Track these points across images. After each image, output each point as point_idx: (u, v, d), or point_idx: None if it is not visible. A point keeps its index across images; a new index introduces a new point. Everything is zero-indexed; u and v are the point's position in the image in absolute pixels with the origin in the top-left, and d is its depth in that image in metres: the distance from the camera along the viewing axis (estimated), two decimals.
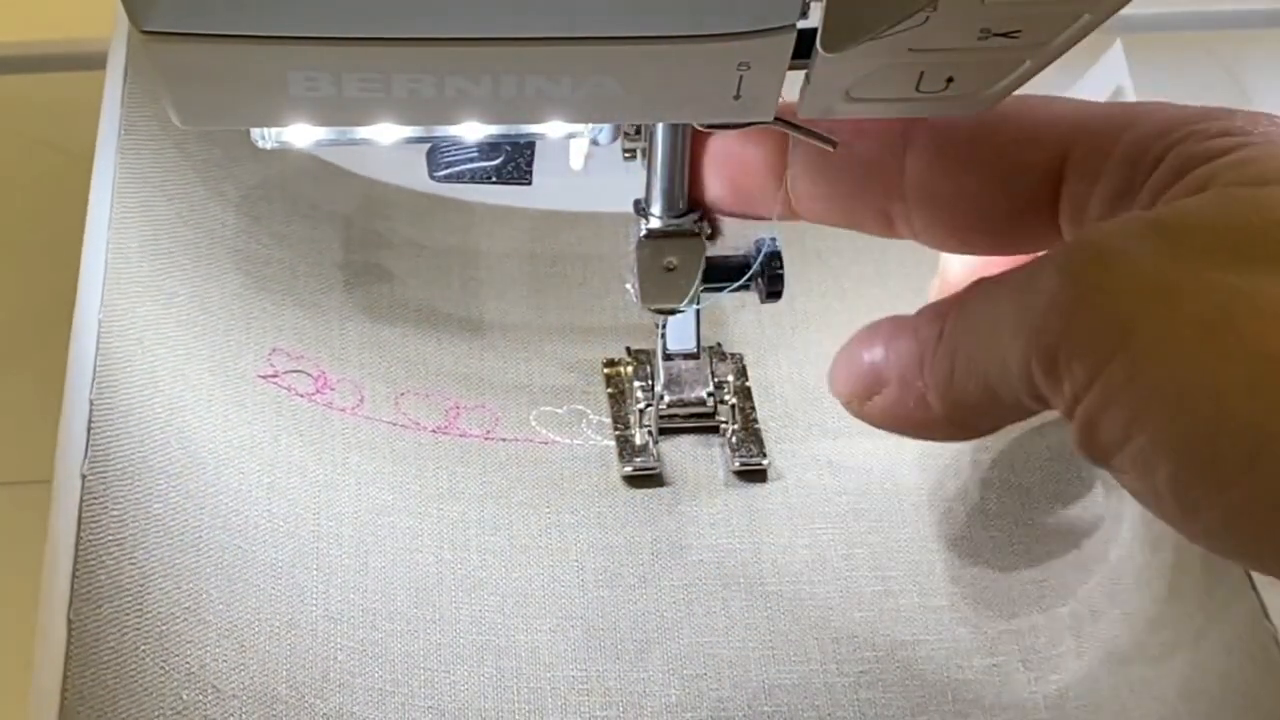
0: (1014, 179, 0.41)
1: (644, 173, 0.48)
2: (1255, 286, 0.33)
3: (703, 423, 0.53)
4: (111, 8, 0.59)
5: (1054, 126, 0.40)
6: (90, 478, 0.46)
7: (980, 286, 0.40)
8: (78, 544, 0.44)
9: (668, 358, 0.53)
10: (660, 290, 0.50)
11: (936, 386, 0.41)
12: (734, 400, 0.53)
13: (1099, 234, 0.36)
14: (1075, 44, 0.37)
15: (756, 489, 0.52)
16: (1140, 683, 0.46)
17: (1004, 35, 0.36)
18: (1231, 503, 0.33)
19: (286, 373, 0.53)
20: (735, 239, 0.52)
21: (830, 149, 0.44)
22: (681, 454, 0.53)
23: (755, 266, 0.50)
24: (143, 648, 0.44)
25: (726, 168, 0.46)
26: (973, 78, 0.38)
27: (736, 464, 0.52)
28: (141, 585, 0.45)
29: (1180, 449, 0.33)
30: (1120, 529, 0.50)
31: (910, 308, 0.54)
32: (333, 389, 0.53)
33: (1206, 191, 0.35)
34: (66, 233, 0.54)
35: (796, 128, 0.44)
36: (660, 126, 0.47)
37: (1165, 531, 0.45)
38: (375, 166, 0.60)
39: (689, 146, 0.47)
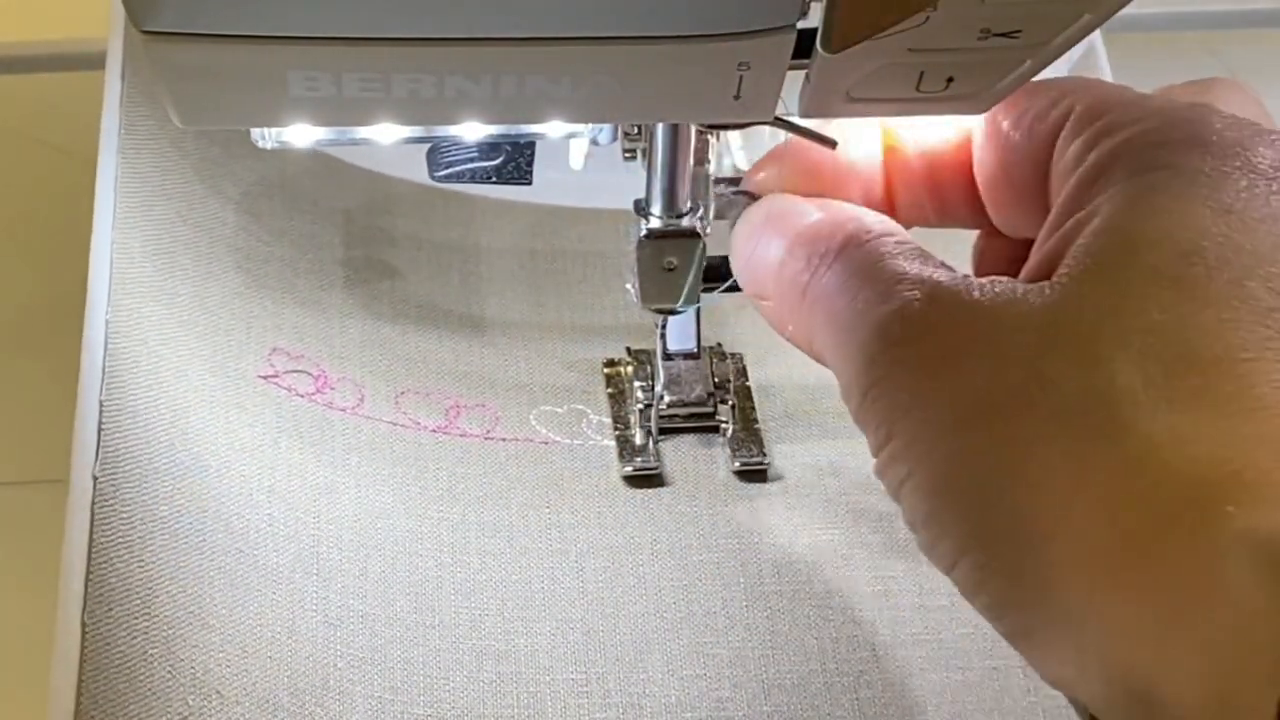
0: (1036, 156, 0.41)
1: (644, 172, 0.48)
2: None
3: (703, 423, 0.53)
4: (109, 8, 0.59)
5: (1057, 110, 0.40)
6: (101, 479, 0.46)
7: (840, 273, 0.39)
8: (90, 545, 0.45)
9: (668, 358, 0.53)
10: (660, 290, 0.50)
11: (800, 346, 0.41)
12: (734, 400, 0.53)
13: (911, 308, 0.37)
14: (1075, 44, 0.37)
15: (756, 489, 0.52)
16: None
17: (1004, 35, 0.36)
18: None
19: (287, 373, 0.53)
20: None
21: (830, 148, 0.44)
22: (681, 454, 0.53)
23: None
24: (150, 651, 0.44)
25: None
26: (973, 78, 0.38)
27: (736, 464, 0.52)
28: (149, 588, 0.45)
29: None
30: None
31: None
32: (333, 388, 0.53)
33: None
34: (66, 232, 0.54)
35: (796, 128, 0.44)
36: (660, 126, 0.47)
37: None
38: (376, 161, 0.60)
39: (689, 146, 0.47)
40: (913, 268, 0.38)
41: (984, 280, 0.36)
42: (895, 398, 0.36)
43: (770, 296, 0.42)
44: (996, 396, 0.34)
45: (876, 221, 0.40)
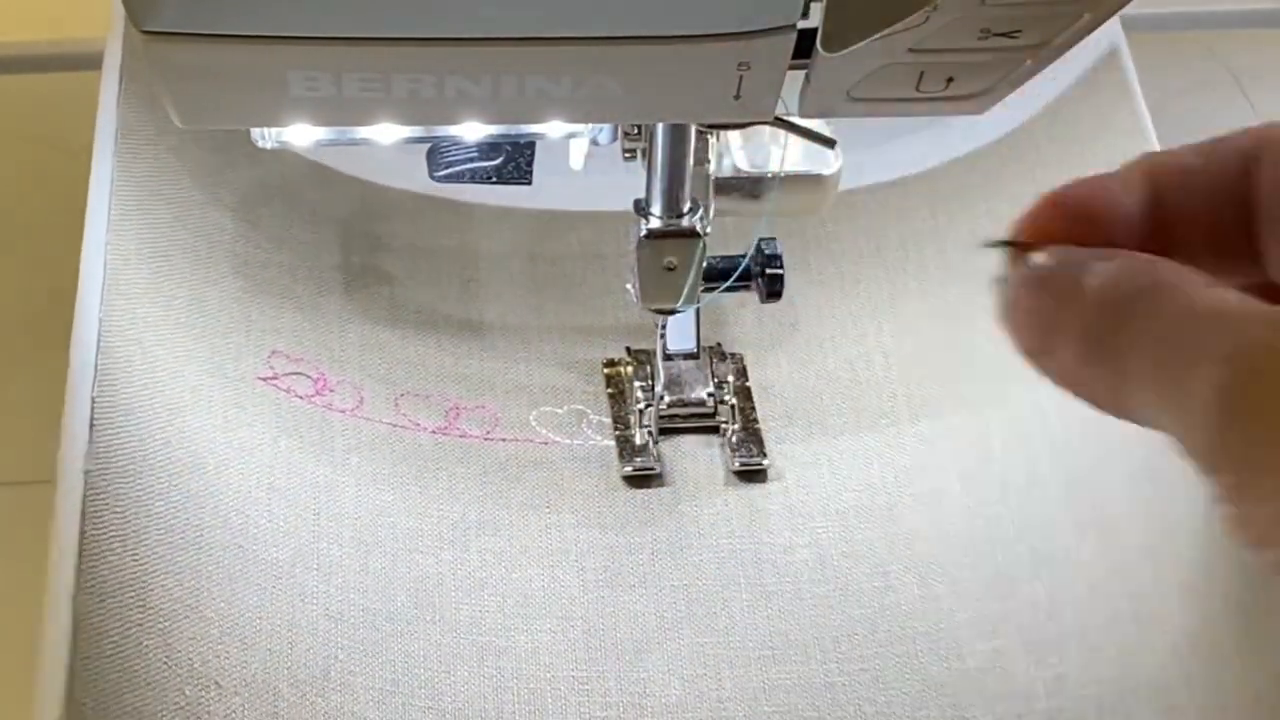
0: None
1: (644, 173, 0.48)
2: None
3: (703, 423, 0.53)
4: (109, 8, 0.59)
5: None
6: (93, 474, 0.46)
7: (1153, 316, 0.38)
8: (81, 538, 0.45)
9: (668, 358, 0.53)
10: (660, 290, 0.50)
11: (1104, 401, 0.40)
12: (734, 400, 0.53)
13: (1259, 345, 0.36)
14: (1075, 44, 0.37)
15: (756, 489, 0.52)
16: (1145, 676, 0.46)
17: (1004, 35, 0.36)
18: None
19: (286, 375, 0.53)
20: (735, 239, 0.52)
21: (830, 148, 0.44)
22: (681, 454, 0.53)
23: (754, 266, 0.50)
24: (146, 643, 0.44)
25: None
26: (973, 78, 0.38)
27: (736, 464, 0.52)
28: (144, 581, 0.45)
29: None
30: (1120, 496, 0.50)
31: (908, 284, 0.53)
32: (332, 390, 0.53)
33: None
34: (65, 231, 0.54)
35: (796, 128, 0.44)
36: (660, 126, 0.47)
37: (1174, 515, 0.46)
38: (373, 169, 0.60)
39: (689, 146, 0.47)
40: (1243, 301, 0.37)
41: None
42: (1261, 432, 0.33)
43: (1061, 350, 0.41)
44: None
45: (1178, 265, 0.40)
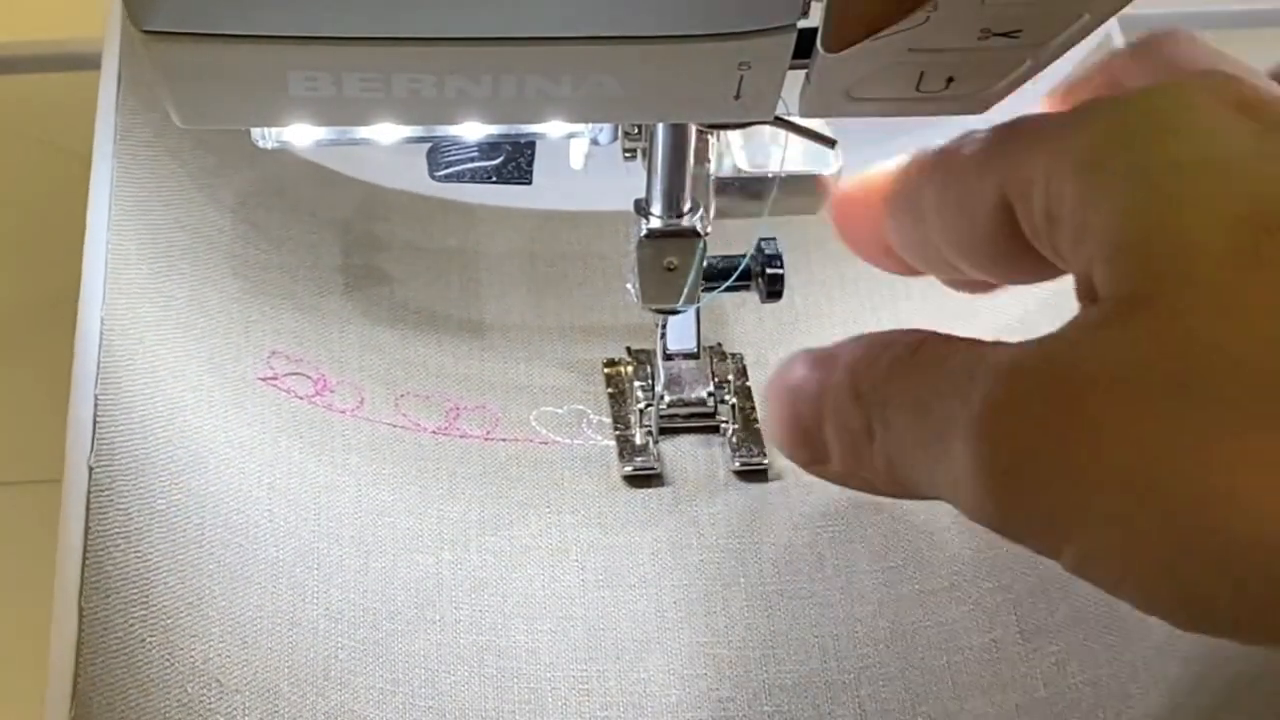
0: (976, 230, 0.37)
1: (644, 173, 0.48)
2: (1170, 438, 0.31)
3: (703, 423, 0.53)
4: (109, 8, 0.59)
5: (988, 170, 0.37)
6: (96, 470, 0.47)
7: (903, 389, 0.36)
8: (86, 534, 0.45)
9: (668, 358, 0.53)
10: (660, 290, 0.50)
11: (882, 485, 0.38)
12: (734, 400, 0.53)
13: (1003, 392, 0.33)
14: (1075, 44, 0.37)
15: (756, 489, 0.52)
16: (1140, 656, 0.47)
17: (1004, 35, 0.36)
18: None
19: (286, 375, 0.53)
20: (735, 239, 0.52)
21: (830, 148, 0.44)
22: (681, 454, 0.53)
23: (754, 266, 0.51)
24: (149, 640, 0.44)
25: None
26: (973, 78, 0.38)
27: (737, 464, 0.52)
28: (146, 578, 0.45)
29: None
30: None
31: (908, 290, 0.53)
32: (332, 391, 0.53)
33: (1100, 311, 0.32)
34: (67, 233, 0.54)
35: (797, 128, 0.44)
36: (660, 126, 0.47)
37: None
38: (372, 170, 0.61)
39: (689, 146, 0.47)
40: (986, 352, 0.34)
41: (1054, 334, 0.33)
42: (1062, 495, 0.32)
43: (831, 451, 0.39)
44: (1178, 442, 0.31)
45: (908, 333, 0.37)
